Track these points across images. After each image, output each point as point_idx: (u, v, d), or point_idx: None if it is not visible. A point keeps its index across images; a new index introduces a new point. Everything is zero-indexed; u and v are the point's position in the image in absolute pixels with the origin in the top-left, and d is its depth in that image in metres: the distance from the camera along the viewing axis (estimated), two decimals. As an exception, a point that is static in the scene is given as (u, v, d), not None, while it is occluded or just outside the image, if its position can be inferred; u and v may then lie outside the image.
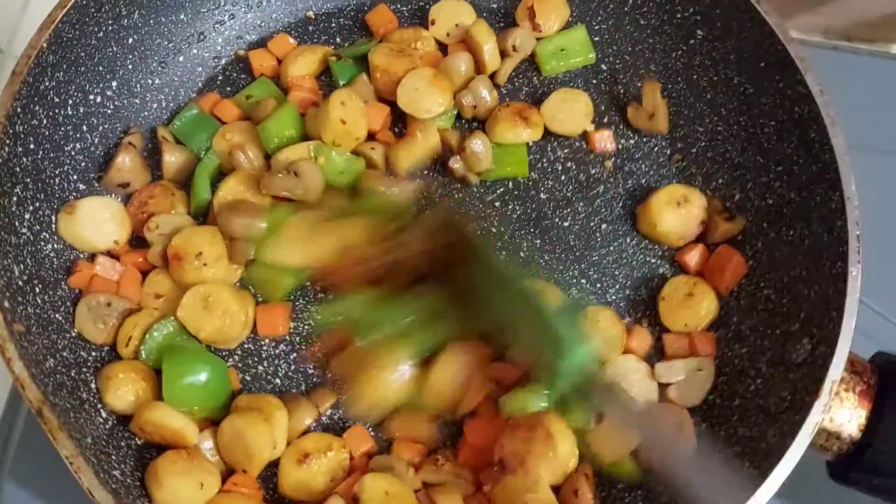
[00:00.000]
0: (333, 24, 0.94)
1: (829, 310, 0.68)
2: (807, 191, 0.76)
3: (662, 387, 0.77)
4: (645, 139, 0.89)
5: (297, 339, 0.78)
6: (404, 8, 0.94)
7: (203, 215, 0.81)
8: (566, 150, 0.88)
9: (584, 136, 0.88)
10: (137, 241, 0.81)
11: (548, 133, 0.88)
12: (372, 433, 0.74)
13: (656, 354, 0.79)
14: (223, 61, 0.91)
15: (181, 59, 0.89)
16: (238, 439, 0.69)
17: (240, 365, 0.77)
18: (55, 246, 0.77)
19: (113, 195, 0.83)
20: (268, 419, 0.70)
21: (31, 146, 0.75)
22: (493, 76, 0.89)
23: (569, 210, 0.86)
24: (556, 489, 0.70)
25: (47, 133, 0.77)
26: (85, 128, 0.82)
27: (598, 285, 0.82)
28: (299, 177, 0.78)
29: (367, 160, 0.84)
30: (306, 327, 0.78)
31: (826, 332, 0.67)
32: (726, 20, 0.83)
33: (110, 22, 0.82)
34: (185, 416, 0.70)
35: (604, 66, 0.92)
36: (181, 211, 0.81)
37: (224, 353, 0.77)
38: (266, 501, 0.71)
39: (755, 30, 0.79)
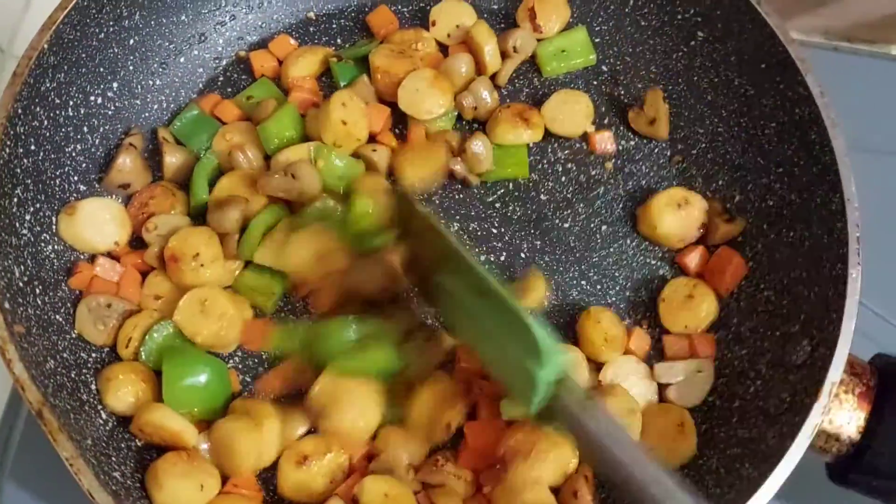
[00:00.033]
0: (334, 25, 0.94)
1: (829, 311, 0.68)
2: (807, 192, 0.76)
3: (662, 387, 0.77)
4: (645, 141, 0.89)
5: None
6: (405, 9, 0.94)
7: (202, 216, 0.81)
8: (566, 152, 0.88)
9: (585, 137, 0.88)
10: (138, 242, 0.81)
11: (548, 134, 0.88)
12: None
13: (656, 355, 0.79)
14: (224, 62, 0.91)
15: (182, 60, 0.89)
16: (226, 444, 0.69)
17: (240, 366, 0.77)
18: (56, 247, 0.77)
19: (113, 196, 0.83)
20: (258, 426, 0.69)
21: (32, 147, 0.75)
22: (493, 77, 0.90)
23: (569, 211, 0.86)
24: (556, 490, 0.70)
25: (48, 134, 0.77)
26: (86, 129, 0.82)
27: (599, 287, 0.82)
28: (296, 179, 0.78)
29: (367, 162, 0.84)
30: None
31: (826, 334, 0.67)
32: (727, 21, 0.83)
33: (111, 23, 0.82)
34: (184, 418, 0.70)
35: (604, 68, 0.92)
36: (181, 212, 0.81)
37: (224, 355, 0.77)
38: (266, 503, 0.71)
39: (756, 31, 0.79)
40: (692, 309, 0.78)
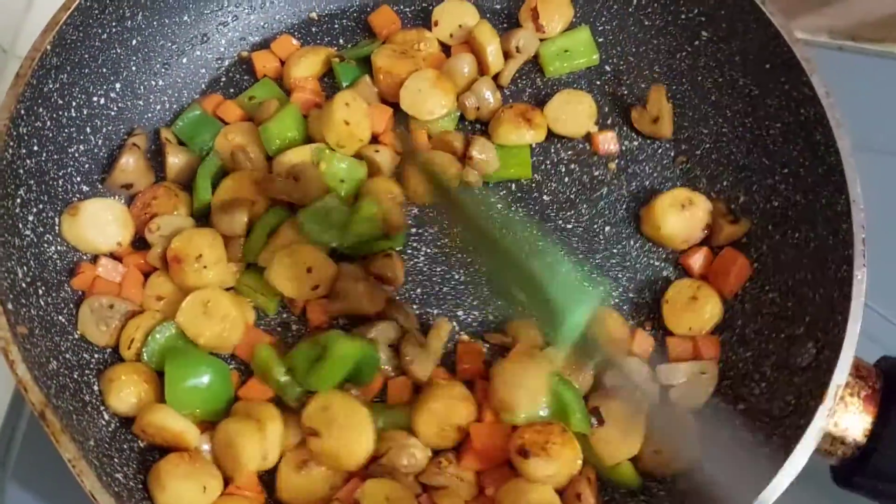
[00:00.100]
0: (336, 26, 0.94)
1: (835, 313, 0.68)
2: (812, 193, 0.75)
3: (665, 389, 0.77)
4: (649, 141, 0.88)
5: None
6: (407, 9, 0.94)
7: (205, 216, 0.81)
8: (569, 152, 0.88)
9: (588, 137, 0.88)
10: (140, 243, 0.81)
11: (551, 135, 0.88)
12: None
13: (659, 357, 0.79)
14: (226, 63, 0.91)
15: (184, 60, 0.89)
16: (229, 445, 0.69)
17: (242, 368, 0.77)
18: (58, 248, 0.77)
19: (116, 197, 0.83)
20: (262, 428, 0.69)
21: (35, 148, 0.75)
22: (496, 78, 0.89)
23: (572, 212, 0.85)
24: (559, 493, 0.70)
25: (51, 135, 0.77)
26: (88, 129, 0.82)
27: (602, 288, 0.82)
28: (299, 181, 0.78)
29: (370, 163, 0.83)
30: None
31: (831, 336, 0.67)
32: (731, 21, 0.83)
33: (114, 24, 0.82)
34: (187, 419, 0.70)
35: (607, 68, 0.91)
36: (184, 212, 0.81)
37: (227, 356, 0.77)
38: (268, 505, 0.71)
39: (760, 31, 0.79)
40: (696, 310, 0.78)
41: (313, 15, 0.94)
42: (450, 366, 0.77)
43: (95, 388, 0.73)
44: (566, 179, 0.87)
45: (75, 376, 0.72)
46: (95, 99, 0.82)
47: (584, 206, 0.86)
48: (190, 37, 0.90)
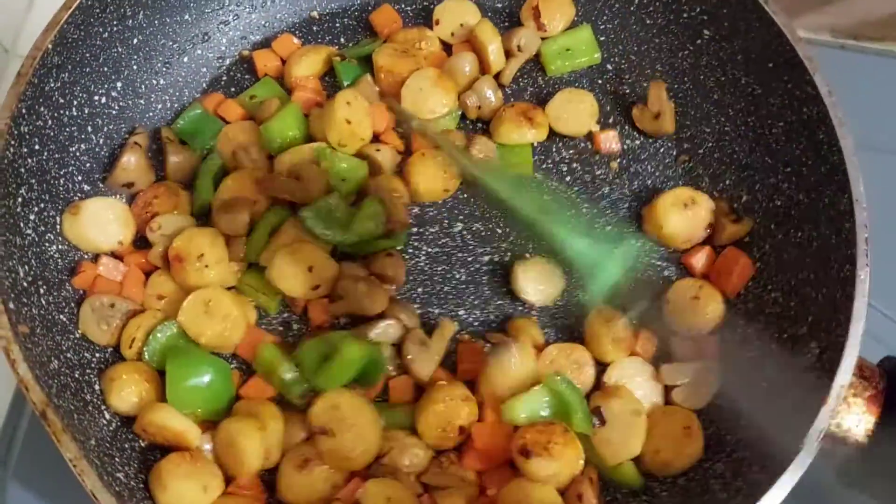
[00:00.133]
0: (337, 25, 0.93)
1: (837, 313, 0.67)
2: (815, 192, 0.75)
3: (668, 389, 0.76)
4: (651, 140, 0.88)
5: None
6: (408, 8, 0.94)
7: (206, 215, 0.81)
8: (571, 151, 0.88)
9: (590, 136, 0.88)
10: (142, 242, 0.81)
11: (553, 133, 0.87)
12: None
13: (662, 357, 0.78)
14: (227, 62, 0.91)
15: (186, 59, 0.89)
16: (230, 445, 0.69)
17: (243, 367, 0.77)
18: (60, 247, 0.77)
19: (117, 196, 0.83)
20: (263, 428, 0.69)
21: (37, 147, 0.75)
22: (497, 76, 0.89)
23: (573, 211, 0.85)
24: (561, 493, 0.70)
25: (52, 134, 0.77)
26: (90, 128, 0.82)
27: (604, 287, 0.82)
28: (300, 180, 0.78)
29: (371, 162, 0.83)
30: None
31: (834, 337, 0.67)
32: (734, 20, 0.82)
33: (115, 23, 0.82)
34: (188, 418, 0.70)
35: (609, 66, 0.91)
36: (185, 211, 0.81)
37: (228, 355, 0.77)
38: (269, 504, 0.71)
39: (763, 30, 0.79)
40: (698, 310, 0.78)
41: (314, 14, 0.94)
42: (450, 365, 0.77)
43: (96, 387, 0.73)
44: (568, 178, 0.86)
45: (76, 375, 0.72)
46: (97, 98, 0.82)
47: (586, 205, 0.85)
48: (191, 35, 0.90)
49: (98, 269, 0.77)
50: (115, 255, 0.79)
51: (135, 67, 0.85)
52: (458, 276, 0.82)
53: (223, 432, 0.70)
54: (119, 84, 0.84)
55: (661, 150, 0.88)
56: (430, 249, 0.83)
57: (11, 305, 0.66)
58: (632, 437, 0.71)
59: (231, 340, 0.75)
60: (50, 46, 0.74)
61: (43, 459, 0.79)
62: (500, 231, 0.84)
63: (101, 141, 0.83)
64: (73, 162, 0.80)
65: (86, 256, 0.79)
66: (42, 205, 0.76)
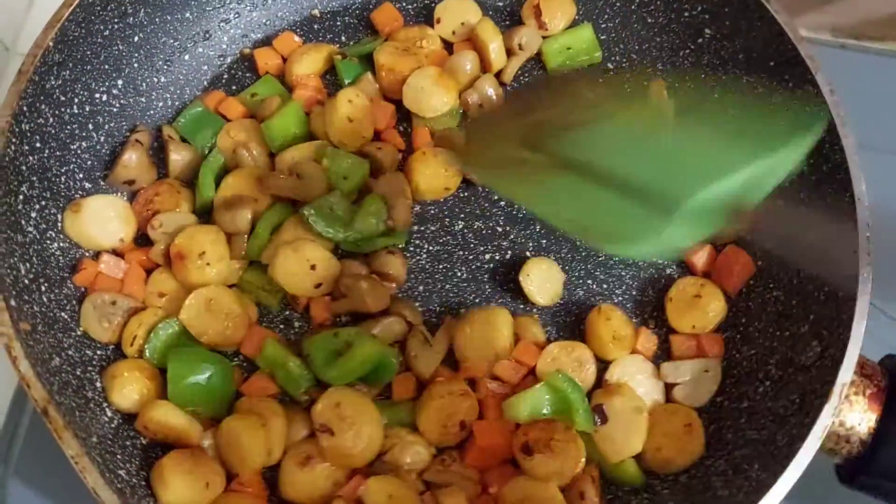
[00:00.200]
0: (339, 23, 0.93)
1: (839, 312, 0.67)
2: (817, 191, 0.75)
3: (669, 387, 0.77)
4: (652, 138, 0.88)
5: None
6: (410, 6, 0.94)
7: (207, 213, 0.81)
8: (572, 150, 0.88)
9: (591, 135, 0.88)
10: (143, 240, 0.80)
11: (554, 132, 0.87)
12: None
13: (663, 355, 0.78)
14: (228, 59, 0.91)
15: (187, 57, 0.89)
16: (232, 442, 0.69)
17: (245, 364, 0.77)
18: (61, 244, 0.77)
19: (118, 193, 0.83)
20: (265, 425, 0.69)
21: (38, 145, 0.75)
22: (498, 75, 0.89)
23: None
24: (562, 491, 0.70)
25: (53, 131, 0.77)
26: (91, 126, 0.82)
27: (605, 286, 0.82)
28: (302, 178, 0.78)
29: (373, 160, 0.83)
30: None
31: (836, 335, 0.67)
32: (735, 19, 0.82)
33: (116, 20, 0.82)
34: (189, 416, 0.70)
35: (610, 65, 0.91)
36: (186, 209, 0.81)
37: (229, 353, 0.77)
38: (271, 502, 0.71)
39: (764, 28, 0.79)
40: (700, 308, 0.78)
41: (315, 12, 0.94)
42: (451, 364, 0.77)
43: (98, 384, 0.73)
44: (569, 177, 0.86)
45: (78, 373, 0.72)
46: (98, 95, 0.82)
47: (587, 203, 0.85)
48: (192, 33, 0.90)
49: (99, 266, 0.77)
50: (117, 253, 0.79)
51: (136, 65, 0.85)
52: (459, 275, 0.82)
53: (225, 429, 0.69)
54: (120, 82, 0.84)
55: (663, 148, 0.88)
56: (431, 247, 0.83)
57: (13, 303, 0.66)
58: (633, 434, 0.71)
59: (233, 338, 0.75)
60: (51, 44, 0.74)
61: (44, 457, 0.79)
62: (500, 230, 0.84)
63: (103, 139, 0.83)
64: (74, 159, 0.80)
65: (87, 254, 0.79)
66: (43, 202, 0.76)
